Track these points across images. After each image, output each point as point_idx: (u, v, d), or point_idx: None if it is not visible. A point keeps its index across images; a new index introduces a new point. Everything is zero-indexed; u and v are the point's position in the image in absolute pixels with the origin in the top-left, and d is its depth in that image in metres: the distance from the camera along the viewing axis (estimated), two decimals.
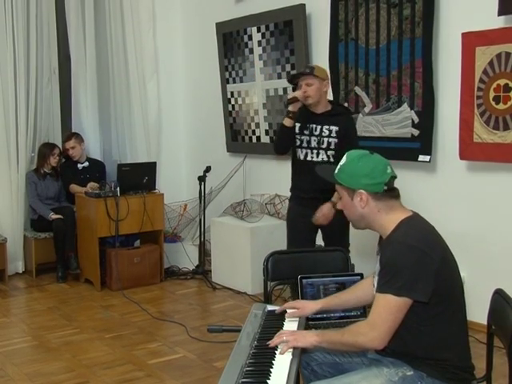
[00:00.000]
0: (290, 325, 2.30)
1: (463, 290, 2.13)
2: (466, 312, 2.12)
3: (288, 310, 2.39)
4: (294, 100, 3.83)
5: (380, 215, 2.09)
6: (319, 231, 4.06)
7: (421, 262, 1.96)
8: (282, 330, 2.22)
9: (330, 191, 3.80)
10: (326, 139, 3.89)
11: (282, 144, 4.02)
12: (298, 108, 3.88)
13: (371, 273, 2.35)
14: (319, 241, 4.15)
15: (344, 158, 2.15)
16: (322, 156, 3.90)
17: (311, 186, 3.81)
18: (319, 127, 3.90)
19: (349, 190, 2.11)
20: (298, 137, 3.94)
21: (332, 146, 3.88)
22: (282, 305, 2.46)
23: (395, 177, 2.12)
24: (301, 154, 3.94)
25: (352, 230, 4.68)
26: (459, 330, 2.08)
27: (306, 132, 3.91)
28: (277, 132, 3.96)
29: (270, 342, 2.07)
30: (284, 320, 2.36)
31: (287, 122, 3.87)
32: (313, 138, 3.91)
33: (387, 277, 1.98)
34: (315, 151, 3.91)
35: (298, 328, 2.27)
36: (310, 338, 2.06)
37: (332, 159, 3.88)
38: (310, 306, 2.37)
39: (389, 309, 1.95)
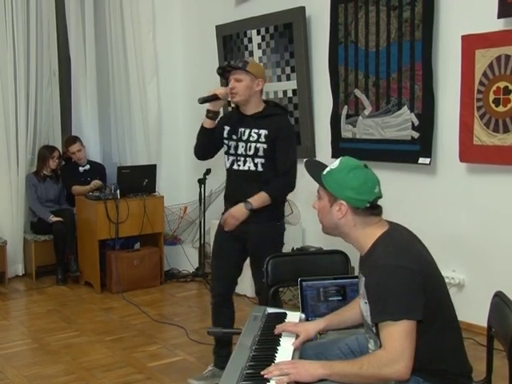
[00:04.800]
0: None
1: (448, 292, 2.09)
2: (456, 315, 2.08)
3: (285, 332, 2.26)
4: (214, 98, 3.32)
5: (355, 229, 2.04)
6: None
7: (407, 280, 1.89)
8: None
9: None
10: (253, 145, 3.31)
11: (201, 148, 3.50)
12: (220, 107, 3.40)
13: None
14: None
15: (337, 161, 2.07)
16: (249, 164, 3.32)
17: (236, 197, 3.33)
18: (247, 131, 3.34)
19: (331, 196, 2.04)
20: (226, 142, 3.42)
21: (260, 153, 3.29)
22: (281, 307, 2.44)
23: (380, 197, 2.06)
24: (227, 162, 3.43)
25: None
26: (454, 338, 2.05)
27: (235, 137, 3.38)
28: (197, 134, 3.50)
29: (264, 371, 1.89)
30: (284, 322, 2.36)
31: (206, 122, 3.40)
32: (240, 144, 3.35)
33: (380, 304, 1.90)
34: (242, 159, 3.35)
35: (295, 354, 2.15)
36: (314, 372, 1.91)
37: (261, 168, 3.30)
38: (313, 327, 2.28)
39: (399, 335, 1.85)
